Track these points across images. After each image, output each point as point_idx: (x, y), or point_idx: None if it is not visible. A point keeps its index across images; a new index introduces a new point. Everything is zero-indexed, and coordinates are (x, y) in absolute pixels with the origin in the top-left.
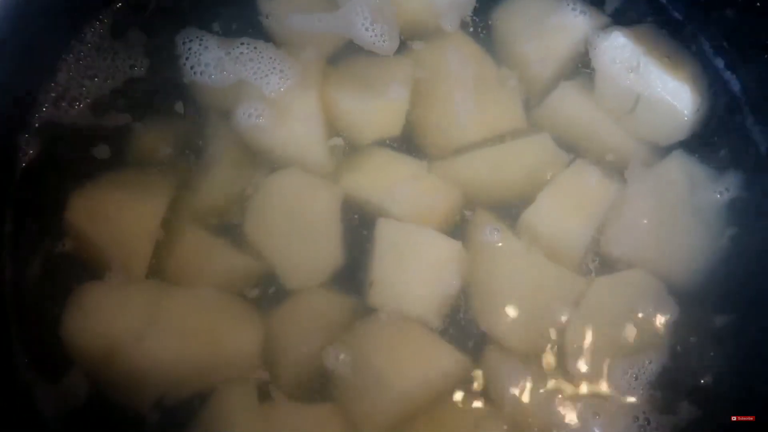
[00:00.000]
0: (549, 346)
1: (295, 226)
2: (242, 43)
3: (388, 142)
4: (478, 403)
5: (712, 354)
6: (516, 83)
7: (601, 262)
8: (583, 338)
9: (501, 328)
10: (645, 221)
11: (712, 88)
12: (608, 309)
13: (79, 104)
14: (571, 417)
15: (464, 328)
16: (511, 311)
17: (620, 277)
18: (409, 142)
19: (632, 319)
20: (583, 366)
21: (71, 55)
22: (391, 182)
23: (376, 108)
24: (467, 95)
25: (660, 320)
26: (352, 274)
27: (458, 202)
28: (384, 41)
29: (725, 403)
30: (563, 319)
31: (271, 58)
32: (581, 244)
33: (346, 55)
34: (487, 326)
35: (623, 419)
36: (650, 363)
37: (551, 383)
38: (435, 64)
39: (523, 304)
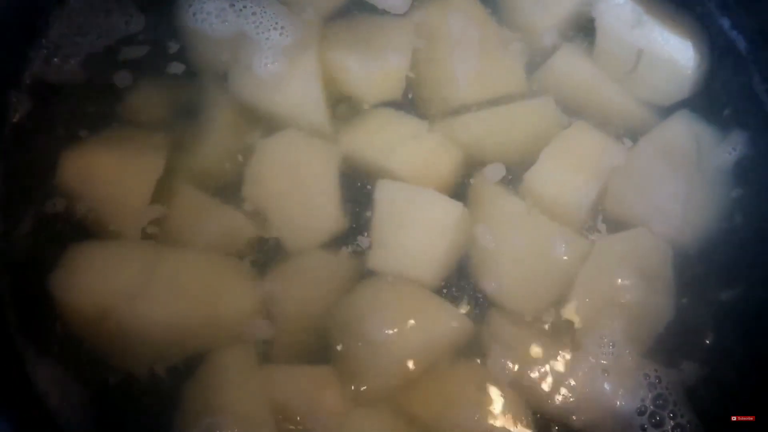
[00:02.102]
0: (553, 307)
1: (295, 187)
2: None
3: (388, 103)
4: (480, 366)
5: (717, 313)
6: (518, 45)
7: (605, 223)
8: (588, 299)
9: (503, 290)
10: (649, 182)
11: (717, 47)
12: (613, 269)
13: (72, 61)
14: (579, 377)
15: (466, 290)
16: (514, 273)
17: (624, 238)
18: (409, 103)
19: (638, 279)
20: (589, 326)
21: (63, 11)
22: (391, 142)
23: (376, 70)
24: (469, 57)
25: (666, 280)
26: (353, 235)
27: (460, 162)
28: None
29: (732, 362)
30: (567, 280)
31: (274, 13)
32: (584, 205)
33: (347, 14)
34: (489, 288)
35: (633, 377)
36: (657, 322)
37: (556, 344)
38: (437, 25)
39: (526, 265)
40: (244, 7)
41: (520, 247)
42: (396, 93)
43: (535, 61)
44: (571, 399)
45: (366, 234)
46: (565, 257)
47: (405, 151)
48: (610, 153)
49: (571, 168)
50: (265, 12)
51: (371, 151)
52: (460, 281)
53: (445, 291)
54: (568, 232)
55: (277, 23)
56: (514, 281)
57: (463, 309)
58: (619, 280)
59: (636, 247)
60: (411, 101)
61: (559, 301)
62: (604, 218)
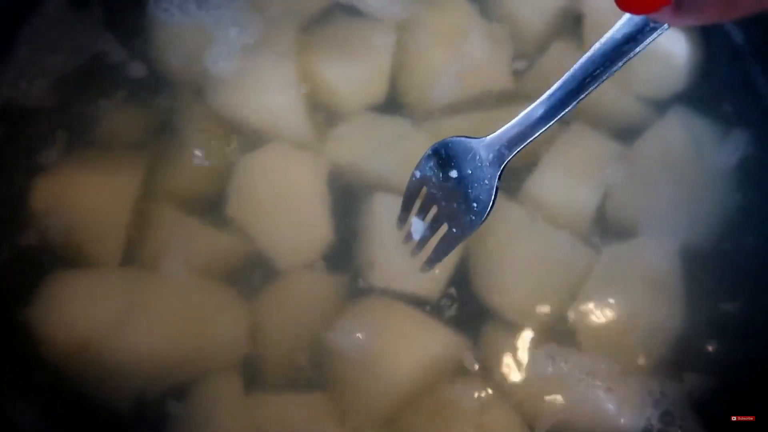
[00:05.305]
0: (557, 320)
1: (281, 205)
2: None
3: (371, 107)
4: (482, 386)
5: (720, 323)
6: (506, 40)
7: (608, 230)
8: (594, 311)
9: (506, 303)
10: (648, 186)
11: (712, 39)
12: (620, 280)
13: (41, 83)
14: (583, 394)
15: (465, 303)
16: (517, 285)
17: (631, 246)
18: (392, 105)
19: (646, 289)
20: (593, 340)
21: (30, 30)
22: (377, 145)
23: (357, 73)
24: (454, 53)
25: (675, 291)
26: (344, 251)
27: None
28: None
29: (739, 371)
30: (572, 291)
31: (237, 9)
32: (589, 211)
33: (327, 20)
34: (490, 302)
35: (638, 393)
36: (666, 335)
37: (560, 359)
38: (421, 23)
39: (530, 276)
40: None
41: (524, 257)
42: (379, 95)
43: (525, 57)
44: (574, 418)
45: (358, 249)
46: (571, 267)
47: (393, 153)
48: (611, 155)
49: (574, 173)
50: (230, 6)
51: (358, 157)
52: (459, 293)
53: (443, 306)
54: (573, 240)
55: (238, 20)
56: (517, 294)
57: (463, 324)
58: (627, 291)
59: (644, 256)
60: (395, 104)
61: (563, 314)
62: (607, 226)
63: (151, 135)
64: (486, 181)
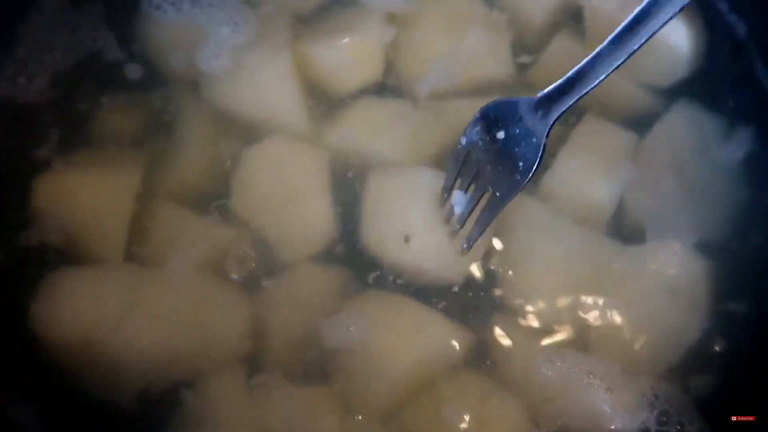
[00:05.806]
0: (567, 318)
1: (284, 197)
2: None
3: (369, 89)
4: (484, 380)
5: (723, 324)
6: (507, 28)
7: (623, 229)
8: (604, 311)
9: (518, 297)
10: (657, 185)
11: (716, 33)
12: (639, 283)
13: (39, 80)
14: (584, 393)
15: (475, 297)
16: (533, 280)
17: (642, 248)
18: (392, 88)
19: (667, 295)
20: (602, 340)
21: (29, 27)
22: (377, 126)
23: (350, 51)
24: (454, 39)
25: (697, 298)
26: (347, 242)
27: (452, 139)
28: None
29: (740, 371)
30: (587, 290)
31: (231, 8)
32: (610, 207)
33: (320, 13)
34: (503, 294)
35: (638, 393)
36: (681, 343)
37: (563, 358)
38: (422, 8)
39: (547, 273)
40: None
41: (543, 253)
42: (375, 74)
43: (526, 51)
44: (575, 415)
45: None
46: (586, 266)
47: (395, 133)
48: (626, 145)
49: (595, 167)
50: (223, 4)
51: (358, 140)
52: (468, 286)
53: (452, 294)
54: (591, 238)
55: (231, 19)
56: (533, 288)
57: (472, 314)
58: (646, 295)
59: (668, 261)
60: (395, 87)
61: (574, 311)
62: (621, 224)
63: (150, 132)
64: (534, 139)
